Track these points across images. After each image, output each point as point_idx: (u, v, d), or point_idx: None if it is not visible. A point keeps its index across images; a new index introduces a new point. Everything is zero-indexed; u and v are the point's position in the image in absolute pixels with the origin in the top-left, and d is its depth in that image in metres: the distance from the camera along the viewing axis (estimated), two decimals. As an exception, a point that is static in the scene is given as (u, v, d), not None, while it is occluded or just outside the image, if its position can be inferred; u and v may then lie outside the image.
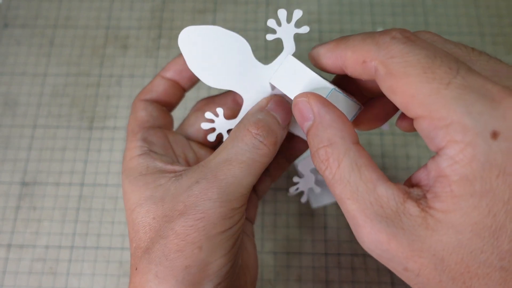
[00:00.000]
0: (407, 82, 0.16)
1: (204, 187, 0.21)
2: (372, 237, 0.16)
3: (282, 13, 0.22)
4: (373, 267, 0.35)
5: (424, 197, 0.16)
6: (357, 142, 0.18)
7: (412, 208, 0.16)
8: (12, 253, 0.36)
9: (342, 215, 0.37)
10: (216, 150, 0.23)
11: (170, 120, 0.28)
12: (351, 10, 0.45)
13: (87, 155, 0.40)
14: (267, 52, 0.43)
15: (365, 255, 0.35)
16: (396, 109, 0.25)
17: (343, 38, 0.20)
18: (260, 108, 0.23)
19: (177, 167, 0.23)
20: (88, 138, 0.40)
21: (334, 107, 0.19)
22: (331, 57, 0.20)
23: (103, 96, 0.42)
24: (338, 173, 0.17)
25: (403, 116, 0.24)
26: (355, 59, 0.19)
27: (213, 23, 0.45)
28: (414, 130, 0.24)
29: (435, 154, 0.16)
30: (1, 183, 0.39)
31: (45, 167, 0.39)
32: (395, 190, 0.16)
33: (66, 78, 0.43)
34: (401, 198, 0.16)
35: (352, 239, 0.36)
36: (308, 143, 0.19)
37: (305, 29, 0.22)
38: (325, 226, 0.36)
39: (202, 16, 0.45)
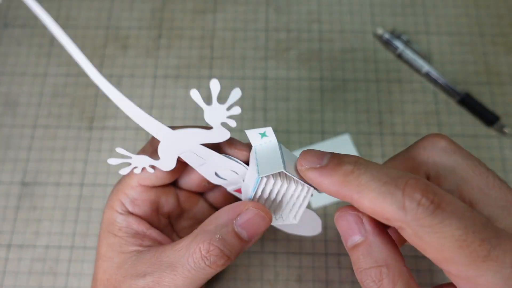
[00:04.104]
0: (441, 250, 0.17)
1: (149, 284, 0.22)
2: None
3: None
4: (373, 267, 0.35)
5: None
6: (405, 265, 0.19)
7: None
8: (12, 253, 0.36)
9: (342, 215, 0.37)
10: (178, 242, 0.23)
11: (176, 175, 0.27)
12: (351, 10, 0.45)
13: (87, 155, 0.40)
14: (267, 52, 0.43)
15: (365, 255, 0.35)
16: None
17: (351, 174, 0.19)
18: (227, 222, 0.22)
19: (146, 240, 0.25)
20: (88, 138, 0.40)
21: (383, 226, 0.19)
22: (332, 187, 0.19)
23: (103, 96, 0.42)
24: None
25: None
26: (373, 212, 0.18)
27: (213, 23, 0.45)
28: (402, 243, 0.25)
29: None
30: (1, 183, 0.39)
31: (45, 167, 0.39)
32: None
33: (66, 78, 0.43)
34: None
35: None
36: (354, 258, 0.19)
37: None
38: (325, 226, 0.36)
39: (202, 16, 0.45)
